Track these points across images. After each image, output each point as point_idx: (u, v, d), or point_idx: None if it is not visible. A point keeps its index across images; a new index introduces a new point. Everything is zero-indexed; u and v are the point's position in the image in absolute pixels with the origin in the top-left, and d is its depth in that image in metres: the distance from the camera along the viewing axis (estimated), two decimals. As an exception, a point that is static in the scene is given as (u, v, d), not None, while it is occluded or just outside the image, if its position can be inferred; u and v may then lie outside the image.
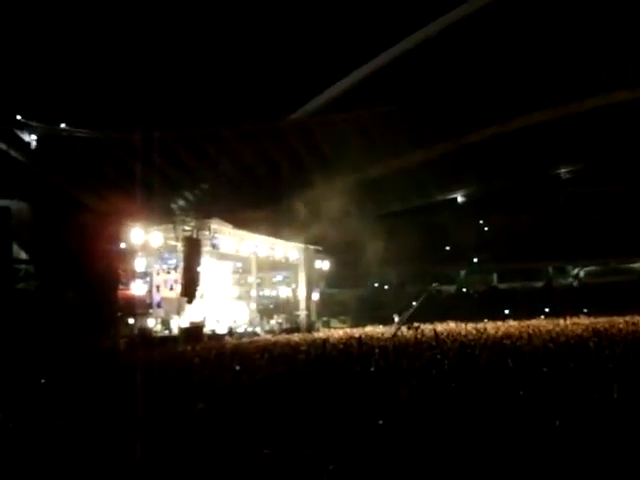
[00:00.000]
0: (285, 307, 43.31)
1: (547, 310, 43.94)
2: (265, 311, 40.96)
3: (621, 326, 24.58)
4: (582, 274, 57.92)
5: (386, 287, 56.01)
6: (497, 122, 46.63)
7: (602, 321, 29.79)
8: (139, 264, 31.32)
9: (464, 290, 57.86)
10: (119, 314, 30.88)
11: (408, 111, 44.54)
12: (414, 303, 36.85)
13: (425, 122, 46.25)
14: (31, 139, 46.89)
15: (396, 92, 44.72)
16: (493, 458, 6.24)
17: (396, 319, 35.58)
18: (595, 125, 46.77)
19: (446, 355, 16.24)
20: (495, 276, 59.16)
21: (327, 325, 44.64)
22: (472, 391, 10.07)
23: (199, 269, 30.15)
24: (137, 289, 31.53)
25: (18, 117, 45.61)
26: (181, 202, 51.57)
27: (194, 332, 30.07)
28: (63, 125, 47.60)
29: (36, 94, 44.97)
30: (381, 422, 8.08)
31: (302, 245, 40.62)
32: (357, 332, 31.61)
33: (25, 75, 44.45)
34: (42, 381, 12.99)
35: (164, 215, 34.32)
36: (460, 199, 59.54)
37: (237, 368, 14.28)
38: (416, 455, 6.67)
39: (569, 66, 42.53)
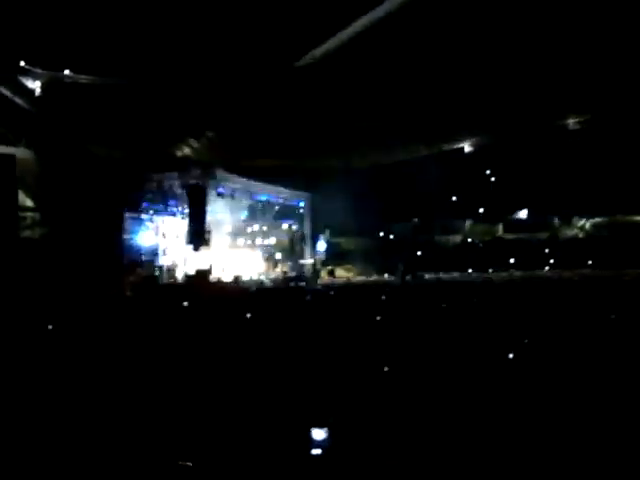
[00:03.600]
0: (290, 255, 43.42)
1: (552, 261, 43.98)
2: (270, 259, 41.07)
3: (626, 279, 24.73)
4: (588, 226, 57.73)
5: (391, 237, 56.00)
6: (506, 70, 45.92)
7: (606, 273, 29.92)
8: (145, 212, 31.35)
9: (469, 240, 57.81)
10: (125, 262, 30.99)
11: (415, 60, 43.87)
12: (419, 253, 36.99)
13: (433, 70, 45.59)
14: (35, 86, 46.44)
15: (409, 38, 44.01)
16: (494, 405, 6.30)
17: (401, 269, 35.75)
18: (605, 75, 46.04)
19: (451, 304, 16.37)
20: (501, 227, 59.04)
21: (332, 273, 44.82)
22: (475, 339, 10.16)
23: (205, 217, 30.20)
24: (143, 237, 31.63)
25: (22, 63, 45.12)
26: (187, 149, 51.31)
27: (200, 280, 30.26)
28: (67, 71, 47.10)
29: (40, 39, 44.40)
30: (386, 369, 8.17)
31: (307, 193, 40.57)
32: (362, 280, 31.85)
33: (28, 20, 43.84)
34: (49, 327, 13.14)
35: (170, 163, 34.19)
36: (467, 149, 59.04)
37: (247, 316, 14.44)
38: (420, 403, 6.75)
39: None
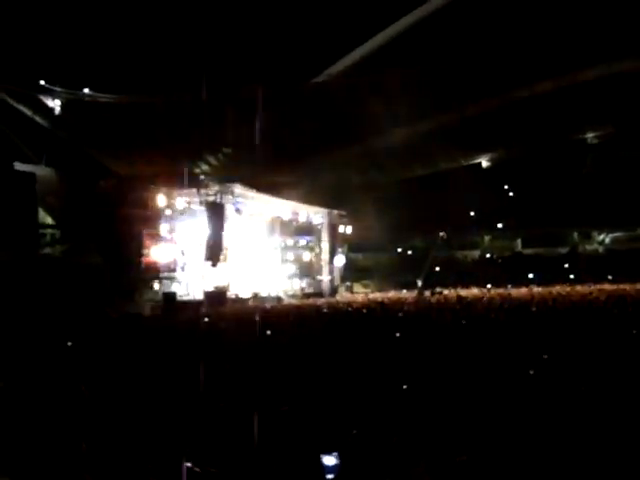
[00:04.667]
0: (308, 271, 43.43)
1: (572, 276, 43.63)
2: (288, 275, 41.09)
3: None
4: (608, 240, 57.29)
5: (410, 252, 55.87)
6: (524, 85, 45.83)
7: (627, 288, 29.59)
8: (163, 229, 31.50)
9: (488, 256, 57.54)
10: (144, 278, 31.13)
11: (432, 74, 43.91)
12: (437, 268, 36.86)
13: (449, 85, 45.58)
14: (55, 104, 46.92)
15: (419, 55, 44.08)
16: (514, 423, 6.24)
17: (419, 284, 35.62)
18: (624, 88, 45.82)
19: (470, 320, 16.26)
20: (519, 241, 58.75)
21: (350, 289, 44.74)
22: (495, 355, 10.08)
23: (223, 233, 30.28)
24: (161, 253, 31.76)
25: (42, 82, 45.64)
26: (205, 167, 51.54)
27: (218, 296, 30.31)
28: (87, 90, 47.58)
29: (59, 59, 44.91)
30: (405, 387, 8.12)
31: (325, 209, 40.58)
32: (380, 297, 31.73)
33: (48, 40, 44.37)
34: (69, 344, 13.19)
35: (188, 180, 34.37)
36: (485, 164, 58.89)
37: (267, 333, 14.42)
38: (439, 420, 6.69)
39: (599, 27, 41.56)
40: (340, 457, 4.35)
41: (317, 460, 4.33)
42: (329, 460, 4.31)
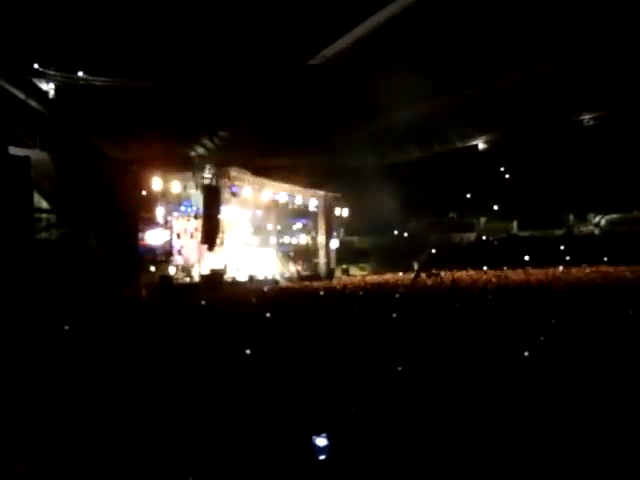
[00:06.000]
0: (305, 254, 43.50)
1: (567, 258, 43.74)
2: (285, 258, 41.14)
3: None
4: (603, 222, 57.38)
5: (406, 235, 55.93)
6: (520, 67, 45.69)
7: (623, 269, 29.69)
8: (159, 212, 31.47)
9: (484, 238, 57.66)
10: (140, 262, 31.12)
11: (429, 57, 43.75)
12: (433, 250, 36.93)
13: (445, 67, 45.43)
14: (49, 88, 46.67)
15: (417, 37, 43.89)
16: (507, 404, 6.28)
17: (415, 267, 35.67)
18: (621, 71, 45.72)
19: (466, 302, 16.33)
20: (515, 224, 58.85)
21: (346, 272, 44.83)
22: (491, 337, 10.13)
23: (219, 217, 30.27)
24: (158, 237, 31.75)
25: (36, 66, 45.37)
26: (200, 150, 51.43)
27: (215, 279, 30.35)
28: (81, 73, 47.31)
29: (53, 42, 44.61)
30: (400, 368, 8.16)
31: (321, 192, 40.56)
32: (376, 279, 31.81)
33: (42, 22, 44.03)
34: (66, 328, 13.22)
35: (184, 163, 34.29)
36: (481, 146, 58.85)
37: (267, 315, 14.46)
38: (434, 400, 6.74)
39: (596, 10, 41.38)
40: (331, 438, 4.36)
41: (308, 441, 4.35)
42: (320, 441, 4.32)
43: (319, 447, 4.37)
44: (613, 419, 5.30)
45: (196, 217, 32.59)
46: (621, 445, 4.62)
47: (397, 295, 19.33)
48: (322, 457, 4.36)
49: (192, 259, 32.96)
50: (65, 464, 3.49)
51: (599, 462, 4.45)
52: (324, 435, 4.41)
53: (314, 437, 4.40)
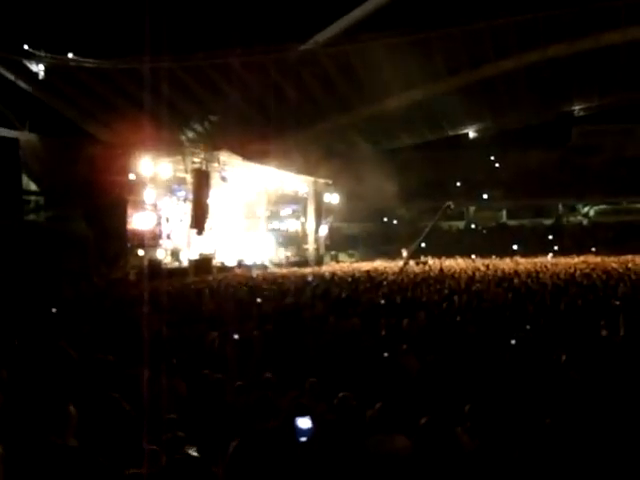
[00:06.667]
0: (294, 240, 43.48)
1: (556, 248, 43.95)
2: (274, 244, 41.11)
3: (630, 265, 24.64)
4: (592, 213, 57.66)
5: (395, 222, 56.00)
6: (511, 56, 45.66)
7: (610, 260, 29.85)
8: (148, 196, 31.34)
9: (473, 226, 57.83)
10: (129, 246, 31.04)
11: (421, 43, 43.64)
12: (421, 237, 36.95)
13: (438, 54, 45.34)
14: (39, 69, 46.32)
15: (410, 23, 43.75)
16: (497, 387, 6.32)
17: (404, 254, 35.71)
18: (610, 61, 45.77)
19: (453, 290, 16.37)
20: (504, 213, 59.04)
21: (335, 259, 44.85)
22: (478, 325, 10.16)
23: (208, 201, 30.16)
24: (146, 221, 31.64)
25: (25, 47, 44.95)
26: (190, 134, 51.20)
27: (203, 264, 30.30)
28: (71, 55, 46.96)
29: (43, 23, 44.23)
30: (387, 355, 8.19)
31: (311, 178, 40.48)
32: (365, 266, 31.83)
33: (32, 4, 43.63)
34: (53, 310, 13.18)
35: (173, 147, 34.13)
36: (472, 135, 58.91)
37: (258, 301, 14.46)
38: (424, 387, 6.77)
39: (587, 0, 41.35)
40: (314, 420, 4.33)
41: (291, 423, 4.31)
42: (303, 423, 4.28)
43: (301, 429, 4.32)
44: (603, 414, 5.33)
45: (185, 201, 32.49)
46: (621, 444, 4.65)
47: (385, 283, 19.37)
48: (303, 439, 4.32)
49: (181, 243, 32.88)
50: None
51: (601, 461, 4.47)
52: (307, 417, 4.36)
53: (297, 418, 4.35)
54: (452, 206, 40.50)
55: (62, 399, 3.23)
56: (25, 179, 35.89)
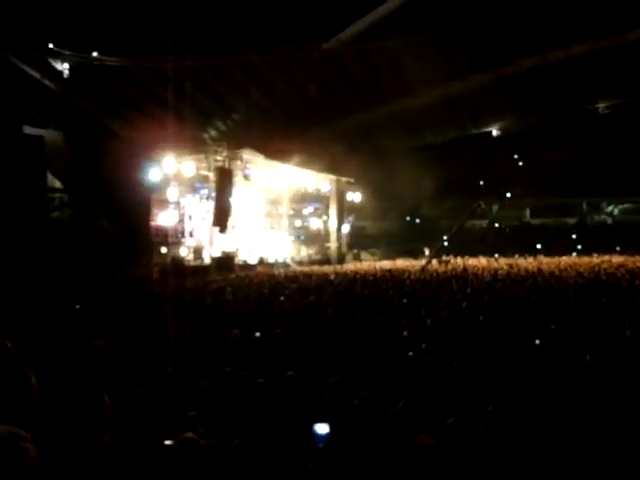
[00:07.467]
0: (316, 238, 43.47)
1: (579, 247, 43.55)
2: (296, 242, 41.14)
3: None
4: (616, 211, 57.07)
5: (417, 221, 55.80)
6: (535, 54, 45.35)
7: (635, 259, 29.51)
8: (171, 193, 31.50)
9: (496, 225, 57.43)
10: (152, 243, 31.21)
11: (444, 41, 43.47)
12: (445, 237, 36.78)
13: (462, 53, 45.14)
14: (64, 68, 46.76)
15: (433, 21, 43.59)
16: (521, 388, 6.27)
17: (427, 252, 35.58)
18: (635, 59, 45.30)
19: (476, 289, 16.29)
20: (528, 211, 58.60)
21: (357, 257, 44.76)
22: (501, 324, 10.10)
23: (231, 199, 30.22)
24: (169, 218, 31.80)
25: (50, 45, 45.37)
26: (213, 132, 51.37)
27: (226, 262, 30.39)
28: (95, 53, 47.35)
29: (68, 22, 44.57)
30: (411, 354, 8.16)
31: (334, 177, 40.42)
32: (388, 265, 31.75)
33: (57, 2, 43.98)
34: (77, 307, 13.29)
35: (196, 145, 34.26)
36: (495, 133, 58.56)
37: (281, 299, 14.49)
38: (446, 387, 6.73)
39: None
40: (332, 427, 4.28)
41: (309, 428, 4.27)
42: (321, 428, 4.24)
43: (320, 435, 4.29)
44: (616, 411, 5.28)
45: (208, 199, 32.60)
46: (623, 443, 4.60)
47: (408, 282, 19.32)
48: (322, 445, 4.29)
49: (203, 241, 33.00)
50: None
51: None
52: (325, 423, 4.33)
53: (315, 424, 4.32)
54: (482, 205, 40.12)
55: (97, 390, 3.25)
56: (50, 176, 36.15)
